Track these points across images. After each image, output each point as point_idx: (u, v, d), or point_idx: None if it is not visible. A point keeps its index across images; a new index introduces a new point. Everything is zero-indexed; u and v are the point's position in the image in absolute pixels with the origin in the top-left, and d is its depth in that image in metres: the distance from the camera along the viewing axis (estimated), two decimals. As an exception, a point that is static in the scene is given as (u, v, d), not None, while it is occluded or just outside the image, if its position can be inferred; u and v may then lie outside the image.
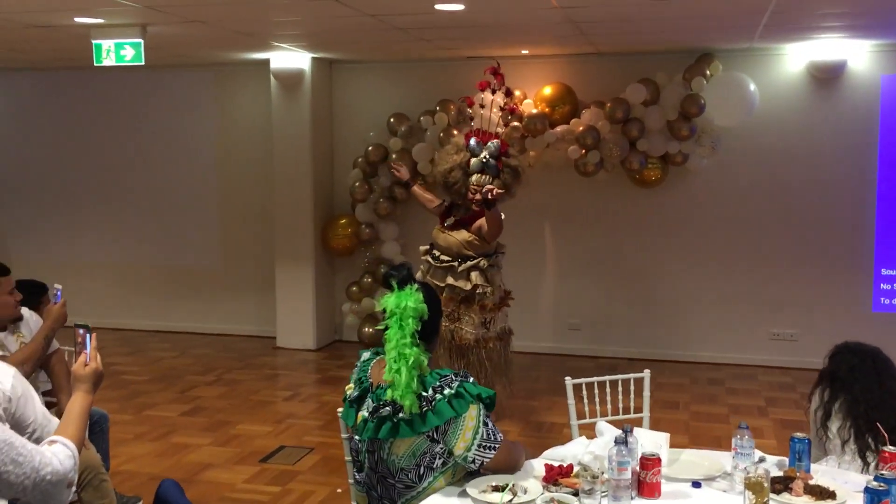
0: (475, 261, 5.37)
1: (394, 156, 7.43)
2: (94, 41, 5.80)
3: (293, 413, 5.94)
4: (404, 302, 2.54)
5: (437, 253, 5.49)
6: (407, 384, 2.48)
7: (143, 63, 5.79)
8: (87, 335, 2.46)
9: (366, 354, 2.79)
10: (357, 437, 2.67)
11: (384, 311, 2.58)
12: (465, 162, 5.43)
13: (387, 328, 2.56)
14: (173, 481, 2.25)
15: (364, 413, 2.59)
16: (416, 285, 2.60)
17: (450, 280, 5.36)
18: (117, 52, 5.78)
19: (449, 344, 5.37)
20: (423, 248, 5.67)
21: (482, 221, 5.29)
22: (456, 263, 5.37)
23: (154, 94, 8.45)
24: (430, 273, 5.48)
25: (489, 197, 5.02)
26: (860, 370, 3.04)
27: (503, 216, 5.33)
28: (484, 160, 5.36)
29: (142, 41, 5.72)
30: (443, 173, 5.55)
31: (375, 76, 7.91)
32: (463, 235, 5.38)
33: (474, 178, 5.37)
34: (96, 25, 5.65)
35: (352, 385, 2.72)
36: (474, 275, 5.35)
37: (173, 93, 8.40)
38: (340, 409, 2.78)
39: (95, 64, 5.85)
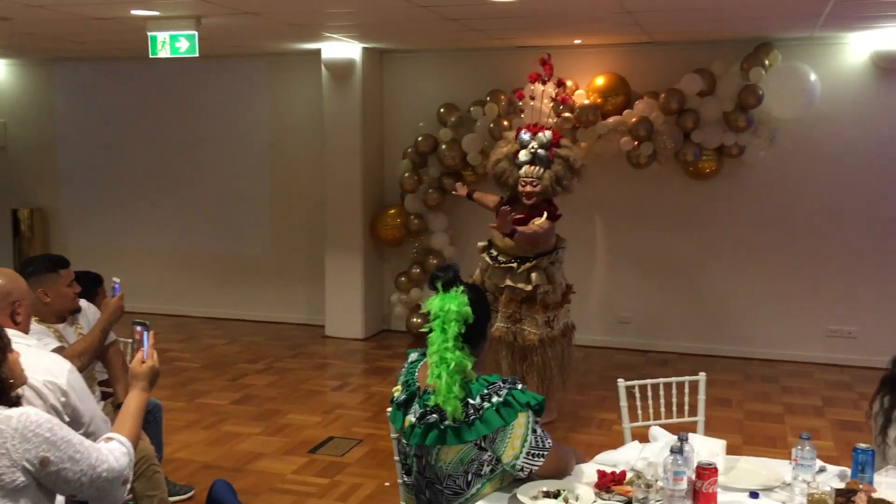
0: (535, 261, 5.17)
1: (443, 146, 7.40)
2: (149, 33, 5.86)
3: (342, 403, 5.98)
4: (448, 305, 2.49)
5: (494, 252, 5.31)
6: (448, 389, 2.44)
7: (196, 55, 5.84)
8: (145, 333, 2.49)
9: (413, 355, 2.75)
10: (405, 441, 2.65)
11: (428, 313, 2.54)
12: (512, 153, 5.34)
13: (431, 331, 2.52)
14: (225, 482, 2.27)
15: (411, 418, 2.57)
16: (461, 287, 2.56)
17: (509, 282, 5.18)
18: (172, 43, 5.84)
19: (511, 346, 5.23)
20: (480, 244, 5.49)
21: (537, 220, 5.15)
22: (515, 265, 5.18)
23: (208, 83, 8.54)
24: (489, 273, 5.30)
25: (508, 218, 4.80)
26: None
27: (546, 225, 5.10)
28: (532, 150, 5.23)
29: (196, 33, 5.76)
30: (491, 164, 5.50)
31: (426, 66, 7.88)
32: None
33: (523, 170, 5.23)
34: (152, 17, 5.71)
35: (399, 387, 2.69)
36: (535, 275, 5.16)
37: (227, 83, 8.48)
38: (389, 409, 2.76)
39: (151, 56, 5.92)
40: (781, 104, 6.58)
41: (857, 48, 6.72)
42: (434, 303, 2.53)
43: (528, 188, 5.20)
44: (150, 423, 4.11)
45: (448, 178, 7.51)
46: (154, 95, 8.74)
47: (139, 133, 8.84)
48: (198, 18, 5.70)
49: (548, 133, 5.29)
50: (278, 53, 8.06)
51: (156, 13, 5.59)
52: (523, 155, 5.26)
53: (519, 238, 4.99)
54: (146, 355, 2.47)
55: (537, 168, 5.22)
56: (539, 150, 5.23)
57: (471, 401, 2.47)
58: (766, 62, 6.67)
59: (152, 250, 8.91)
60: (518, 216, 5.12)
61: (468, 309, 2.51)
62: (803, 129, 6.83)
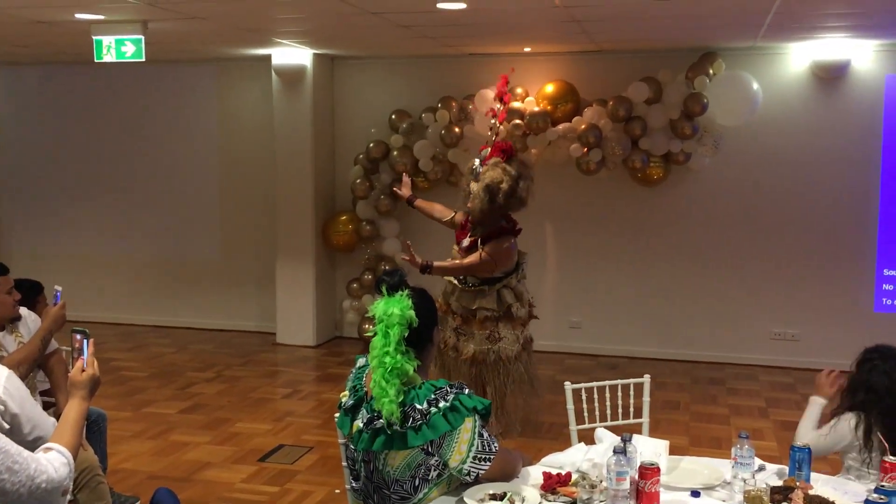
0: (504, 281, 5.08)
1: (395, 153, 7.41)
2: (94, 37, 5.77)
3: (292, 411, 5.94)
4: (391, 308, 2.49)
5: (462, 278, 5.13)
6: (382, 392, 2.44)
7: (143, 59, 5.76)
8: (85, 341, 2.45)
9: (361, 361, 2.74)
10: (353, 447, 2.65)
11: (374, 317, 2.53)
12: (469, 171, 5.22)
13: (375, 335, 2.52)
14: (168, 490, 2.24)
15: (359, 423, 2.56)
16: (406, 291, 2.57)
17: (480, 303, 5.06)
18: (118, 48, 5.75)
19: (495, 365, 5.11)
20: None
21: (486, 248, 4.96)
22: (485, 287, 5.05)
23: (155, 88, 8.43)
24: (456, 296, 5.14)
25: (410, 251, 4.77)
26: (892, 379, 2.93)
27: (482, 257, 4.91)
28: (473, 167, 5.12)
29: (142, 37, 5.69)
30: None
31: (377, 72, 7.88)
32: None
33: (471, 186, 5.07)
34: (97, 21, 5.63)
35: (347, 392, 2.69)
36: (506, 293, 5.08)
37: (175, 87, 8.38)
38: (337, 415, 2.76)
39: (96, 60, 5.82)
40: (725, 112, 6.74)
41: (797, 58, 6.91)
42: (378, 307, 2.53)
43: (469, 204, 5.05)
44: (95, 432, 4.04)
45: (400, 184, 7.50)
46: (100, 100, 8.59)
47: (85, 138, 8.68)
48: (144, 23, 5.63)
49: (485, 152, 5.17)
50: (228, 59, 7.99)
51: (101, 17, 5.51)
52: (467, 172, 5.19)
53: (439, 272, 4.94)
54: (86, 364, 2.43)
55: (476, 185, 5.04)
56: (477, 169, 5.10)
57: (418, 406, 2.47)
58: (711, 71, 6.82)
59: (98, 257, 8.74)
60: (470, 240, 5.04)
61: (412, 312, 2.50)
62: (746, 136, 7.00)
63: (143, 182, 8.56)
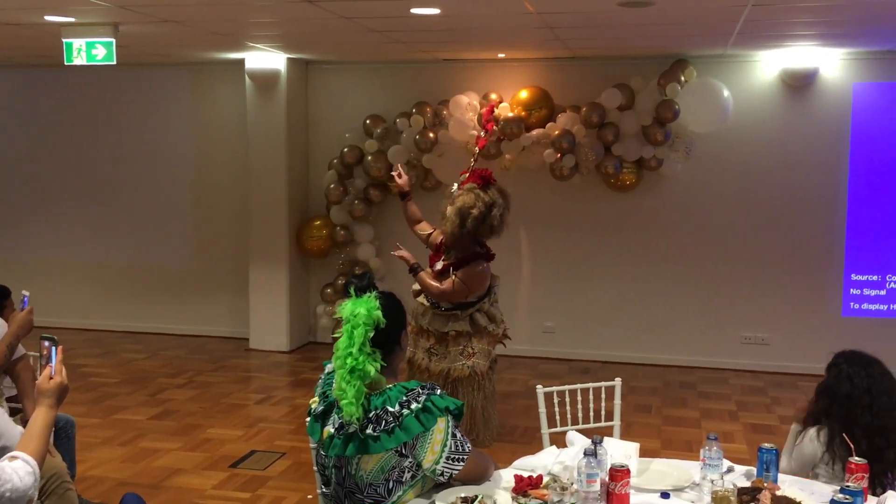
0: (476, 306, 5.07)
1: (369, 157, 7.41)
2: (64, 40, 5.70)
3: (265, 416, 5.90)
4: (358, 309, 2.49)
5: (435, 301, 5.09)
6: (342, 392, 2.43)
7: (114, 62, 5.71)
8: (53, 348, 2.42)
9: (330, 366, 2.72)
10: (324, 453, 2.64)
11: (341, 318, 2.53)
12: (448, 194, 5.20)
13: (340, 335, 2.51)
14: (136, 495, 2.22)
15: (330, 429, 2.55)
16: (374, 293, 2.56)
17: (453, 327, 5.03)
18: (88, 51, 5.69)
19: (469, 380, 5.07)
20: (416, 287, 5.19)
21: (459, 273, 4.95)
22: (458, 312, 5.04)
23: (128, 92, 8.35)
24: (429, 319, 5.09)
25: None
26: (853, 385, 2.93)
27: (453, 286, 4.93)
28: (451, 191, 5.11)
29: (113, 40, 5.63)
30: None
31: (352, 77, 7.88)
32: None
33: (448, 209, 5.03)
34: (67, 24, 5.57)
35: (316, 398, 2.68)
36: (479, 317, 5.08)
37: (147, 92, 8.31)
38: (307, 420, 2.75)
39: (66, 63, 5.76)
40: (697, 118, 6.81)
41: (767, 66, 7.01)
42: (346, 308, 2.53)
43: (444, 227, 5.06)
44: (63, 439, 3.99)
45: (374, 189, 7.52)
46: (72, 105, 8.50)
47: (55, 143, 8.58)
48: (115, 25, 5.58)
49: (462, 177, 5.19)
50: (201, 63, 7.95)
51: (71, 20, 5.45)
52: (450, 198, 5.13)
53: (420, 281, 4.98)
54: (54, 371, 2.40)
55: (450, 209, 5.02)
56: (455, 192, 5.08)
57: (390, 408, 2.47)
58: (682, 78, 6.89)
59: (69, 263, 8.64)
60: (444, 264, 5.02)
61: (378, 313, 2.50)
62: (717, 142, 7.09)
63: (114, 187, 8.48)
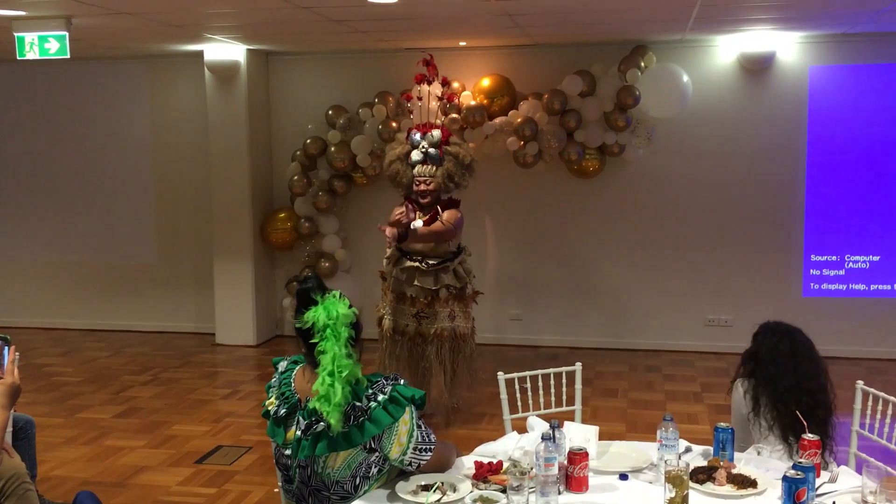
0: (459, 258, 5.38)
1: (332, 148, 7.37)
2: (16, 34, 5.59)
3: (232, 411, 5.87)
4: (335, 311, 2.46)
5: (418, 257, 5.30)
6: (327, 400, 2.40)
7: (68, 56, 5.61)
8: (6, 348, 2.38)
9: (282, 364, 2.67)
10: (288, 454, 2.58)
11: (312, 326, 2.45)
12: (405, 154, 5.40)
13: (322, 340, 2.44)
14: (90, 493, 2.20)
15: (297, 432, 2.51)
16: (336, 291, 2.54)
17: (447, 280, 5.29)
18: (41, 45, 5.59)
19: (453, 341, 5.34)
20: (389, 256, 5.45)
21: (444, 215, 5.30)
22: (448, 264, 5.31)
23: (85, 87, 8.21)
24: (416, 281, 5.26)
25: (397, 229, 5.08)
26: (778, 350, 3.11)
27: (454, 219, 5.29)
28: (424, 150, 5.32)
29: (66, 34, 5.54)
30: (385, 166, 5.54)
31: (313, 68, 7.82)
32: None
33: (416, 169, 5.33)
34: (18, 18, 5.46)
35: (274, 400, 2.62)
36: (460, 269, 5.38)
37: (105, 86, 8.18)
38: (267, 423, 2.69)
39: (19, 58, 5.65)
40: (657, 104, 6.86)
41: (725, 50, 7.07)
42: (320, 313, 2.46)
43: (423, 187, 5.30)
44: (23, 439, 3.93)
45: (338, 180, 7.49)
46: (26, 100, 8.34)
47: (10, 140, 8.42)
48: (68, 18, 5.48)
49: (437, 132, 5.39)
50: (159, 55, 7.84)
51: (22, 13, 5.35)
52: (415, 154, 5.36)
53: (425, 235, 5.18)
54: (6, 371, 2.36)
55: (430, 167, 5.33)
56: (430, 149, 5.33)
57: (357, 403, 2.45)
58: (642, 64, 6.93)
59: (28, 261, 8.49)
60: (425, 218, 5.27)
61: (355, 309, 2.50)
62: (678, 127, 7.14)
63: (73, 183, 8.34)
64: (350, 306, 2.51)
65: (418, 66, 5.64)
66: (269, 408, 2.63)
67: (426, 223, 5.26)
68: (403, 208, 5.34)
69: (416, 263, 5.29)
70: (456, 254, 5.39)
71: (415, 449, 2.50)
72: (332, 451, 2.44)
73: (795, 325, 3.23)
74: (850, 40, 6.86)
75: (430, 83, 5.65)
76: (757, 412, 3.10)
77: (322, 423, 2.43)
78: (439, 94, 5.68)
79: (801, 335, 3.18)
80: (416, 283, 5.29)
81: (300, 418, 2.50)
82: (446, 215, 5.29)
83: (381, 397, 2.47)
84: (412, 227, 5.15)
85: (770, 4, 5.45)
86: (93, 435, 5.36)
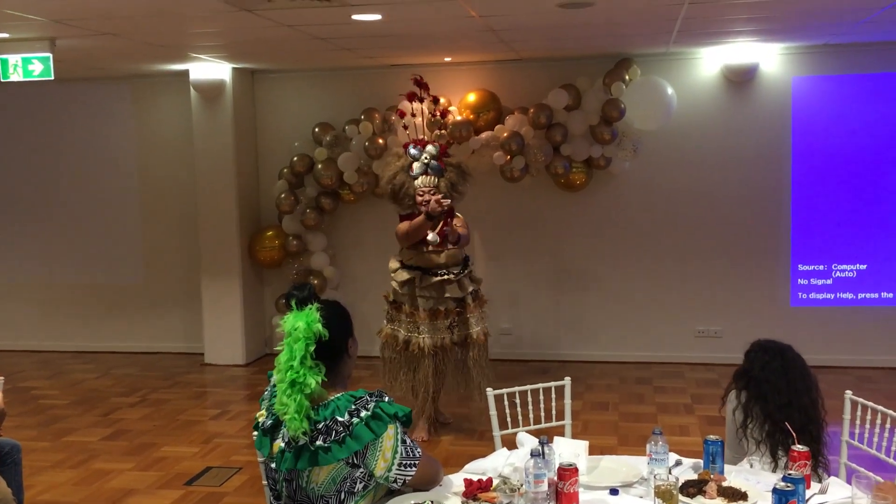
0: (470, 266, 5.60)
1: (319, 166, 7.36)
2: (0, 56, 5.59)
3: (221, 432, 5.82)
4: (297, 322, 2.47)
5: (433, 269, 5.37)
6: (284, 407, 2.42)
7: (52, 77, 5.59)
8: None
9: (275, 378, 2.72)
10: (274, 467, 2.60)
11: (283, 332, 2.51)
12: (407, 166, 5.42)
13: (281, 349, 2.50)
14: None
15: (281, 443, 2.51)
16: (315, 304, 2.54)
17: (471, 287, 5.52)
18: (25, 66, 5.57)
19: (477, 348, 5.49)
20: (396, 265, 5.49)
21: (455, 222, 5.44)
22: (471, 268, 5.59)
23: (70, 108, 8.19)
24: (447, 293, 5.37)
25: (438, 208, 5.17)
26: (770, 368, 3.14)
27: (458, 228, 5.44)
28: (426, 161, 5.37)
29: (51, 55, 5.53)
30: (388, 180, 5.50)
31: (299, 85, 7.83)
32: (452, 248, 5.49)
33: (419, 180, 5.35)
34: (2, 40, 5.45)
35: (263, 412, 2.64)
36: (474, 276, 5.65)
37: (89, 106, 8.16)
38: (255, 434, 2.71)
39: (2, 79, 5.64)
40: (642, 116, 6.89)
41: (708, 63, 7.13)
42: (288, 321, 2.51)
43: (427, 197, 5.30)
44: (9, 464, 3.88)
45: (325, 197, 7.48)
46: (12, 122, 8.31)
47: (-4, 161, 8.39)
48: (52, 40, 5.47)
49: (435, 145, 5.45)
50: (144, 75, 7.83)
51: (5, 35, 5.34)
52: (417, 167, 5.37)
53: (459, 240, 5.42)
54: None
55: (432, 178, 5.36)
56: (432, 161, 5.37)
57: (339, 418, 2.45)
58: (627, 77, 6.97)
59: (13, 282, 8.43)
60: (436, 230, 5.37)
61: (319, 325, 2.48)
62: (664, 139, 7.18)
63: (59, 203, 8.30)
64: (319, 322, 2.48)
65: (408, 83, 5.66)
66: (259, 419, 2.64)
67: (439, 234, 5.36)
68: (429, 197, 5.29)
69: (444, 276, 5.39)
70: (467, 259, 5.60)
71: (399, 465, 2.50)
72: (313, 465, 2.44)
73: (786, 343, 3.27)
74: (831, 51, 6.92)
75: (421, 101, 5.68)
76: (745, 427, 3.12)
77: (303, 438, 2.43)
78: (431, 111, 5.74)
79: (792, 352, 3.21)
80: (447, 294, 5.40)
81: (285, 430, 2.50)
82: (457, 221, 5.46)
83: (363, 413, 2.46)
84: (429, 238, 5.29)
85: (752, 17, 5.49)
86: (80, 458, 5.30)
